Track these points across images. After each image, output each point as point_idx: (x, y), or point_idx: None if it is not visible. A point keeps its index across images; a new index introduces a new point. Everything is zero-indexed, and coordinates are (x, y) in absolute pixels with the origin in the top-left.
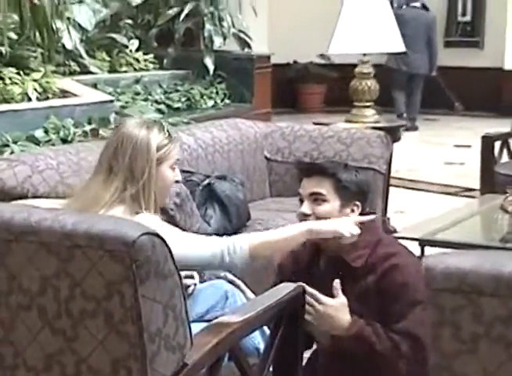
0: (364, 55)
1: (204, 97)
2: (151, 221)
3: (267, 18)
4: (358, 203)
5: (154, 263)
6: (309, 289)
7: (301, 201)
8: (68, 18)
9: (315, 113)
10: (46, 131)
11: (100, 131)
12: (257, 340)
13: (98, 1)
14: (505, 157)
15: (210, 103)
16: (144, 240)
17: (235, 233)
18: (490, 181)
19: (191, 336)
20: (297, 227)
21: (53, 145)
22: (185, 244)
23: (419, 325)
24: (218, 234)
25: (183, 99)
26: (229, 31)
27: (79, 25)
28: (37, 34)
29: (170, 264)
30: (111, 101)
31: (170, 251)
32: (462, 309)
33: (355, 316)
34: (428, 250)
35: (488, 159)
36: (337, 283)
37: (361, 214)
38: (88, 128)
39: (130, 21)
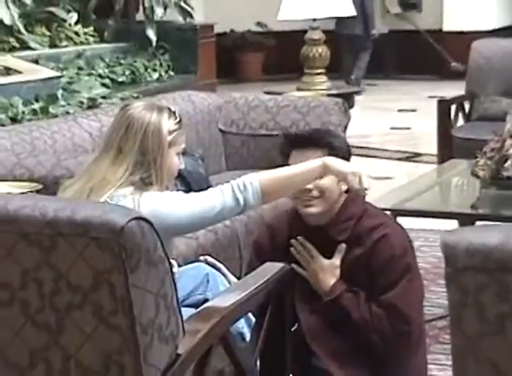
0: (314, 20)
1: (148, 70)
2: (157, 195)
3: None
4: None
5: (144, 250)
6: (308, 245)
7: None
8: None
9: (255, 81)
10: None
11: (50, 109)
12: (240, 324)
13: None
14: (460, 121)
15: (155, 75)
16: (133, 225)
17: None
18: (448, 145)
19: (183, 325)
20: (311, 162)
21: (2, 125)
22: (196, 203)
23: (402, 297)
24: None
25: (127, 73)
26: (170, 1)
27: None
28: None
29: (160, 250)
30: (58, 77)
31: (159, 237)
32: (486, 288)
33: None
34: (400, 219)
35: (444, 124)
36: (342, 247)
37: None
38: (37, 105)
39: None
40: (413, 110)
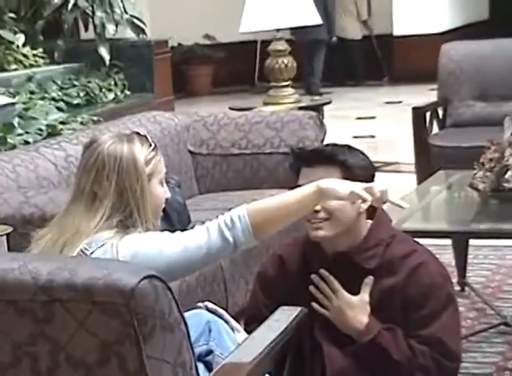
0: (277, 31)
1: (103, 90)
2: (137, 237)
3: (147, 1)
4: None
5: (159, 314)
6: (331, 277)
7: None
8: None
9: (205, 95)
10: None
11: (8, 140)
12: None
13: None
14: (435, 128)
15: (111, 95)
16: (145, 286)
17: None
18: (424, 154)
19: None
20: (305, 188)
21: None
22: (180, 244)
23: (447, 330)
24: None
25: (82, 94)
26: (122, 17)
27: None
28: None
29: (175, 312)
30: (12, 104)
31: (173, 295)
32: None
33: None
34: None
35: (420, 132)
36: (369, 279)
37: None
38: None
39: (13, 15)
40: (372, 117)
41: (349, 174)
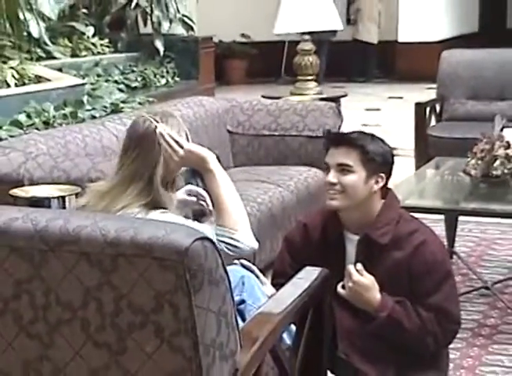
0: (303, 33)
1: (157, 76)
2: (166, 218)
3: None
4: (382, 175)
5: (207, 270)
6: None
7: (327, 170)
8: (34, 8)
9: (239, 84)
10: (29, 116)
11: (79, 114)
12: None
13: None
14: (432, 121)
15: (163, 81)
16: (197, 246)
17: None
18: (423, 143)
19: (240, 340)
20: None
21: (37, 129)
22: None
23: (449, 299)
24: None
25: (139, 79)
26: (175, 16)
27: (43, 15)
28: (7, 24)
29: (221, 269)
30: (83, 84)
31: (220, 256)
32: None
33: (384, 293)
34: None
35: (420, 123)
36: (360, 267)
37: (383, 186)
38: (67, 110)
39: (85, 10)
40: (378, 109)
41: (366, 157)
